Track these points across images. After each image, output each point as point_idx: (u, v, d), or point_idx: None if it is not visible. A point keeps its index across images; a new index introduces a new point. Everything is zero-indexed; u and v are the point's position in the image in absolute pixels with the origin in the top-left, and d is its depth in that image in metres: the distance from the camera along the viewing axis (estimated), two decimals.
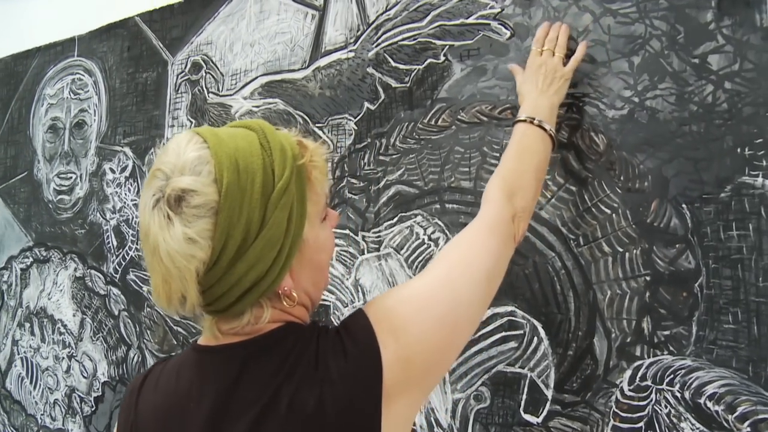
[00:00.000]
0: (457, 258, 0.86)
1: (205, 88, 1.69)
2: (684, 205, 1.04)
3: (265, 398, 0.72)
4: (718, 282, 1.01)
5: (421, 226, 1.29)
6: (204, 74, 1.70)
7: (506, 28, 1.23)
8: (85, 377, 1.92)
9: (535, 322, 1.16)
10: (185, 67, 1.74)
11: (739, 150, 1.00)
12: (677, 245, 1.04)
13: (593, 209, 1.12)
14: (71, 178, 2.02)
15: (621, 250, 1.09)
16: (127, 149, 1.86)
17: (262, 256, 0.72)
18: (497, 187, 0.98)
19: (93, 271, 1.92)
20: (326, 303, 1.41)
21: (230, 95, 1.63)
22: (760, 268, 0.98)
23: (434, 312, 0.77)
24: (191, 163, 0.72)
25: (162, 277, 0.72)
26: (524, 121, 1.04)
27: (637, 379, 1.06)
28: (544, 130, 1.03)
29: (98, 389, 1.88)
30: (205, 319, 0.80)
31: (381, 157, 1.37)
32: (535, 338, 1.16)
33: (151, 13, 1.84)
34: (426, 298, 0.79)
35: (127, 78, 1.90)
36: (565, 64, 1.10)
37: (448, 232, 1.27)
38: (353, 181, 1.41)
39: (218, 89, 1.66)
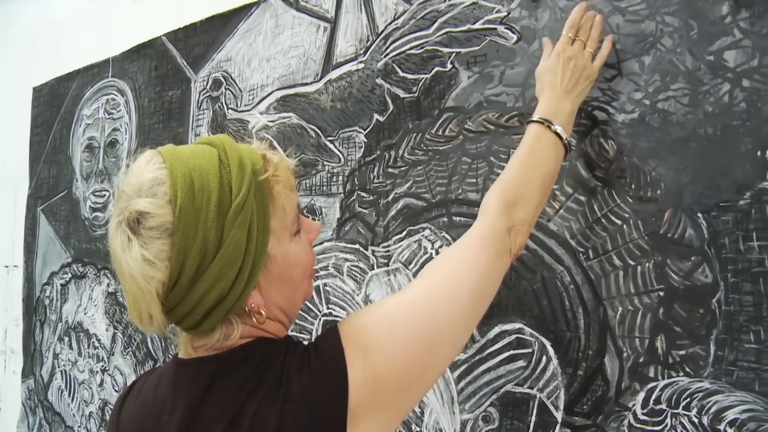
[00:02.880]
0: (442, 274, 0.82)
1: (224, 105, 1.70)
2: (700, 215, 0.98)
3: (230, 414, 0.72)
4: (737, 297, 0.94)
5: (429, 240, 1.26)
6: (224, 90, 1.71)
7: (513, 32, 1.19)
8: (116, 391, 1.96)
9: (544, 340, 1.11)
10: (207, 84, 1.76)
11: (759, 153, 0.93)
12: (693, 258, 0.97)
13: (603, 220, 1.06)
14: (105, 195, 2.07)
15: (633, 263, 1.03)
16: None
17: (222, 275, 0.72)
18: (496, 196, 0.92)
19: None
20: (337, 318, 1.39)
21: (248, 110, 1.64)
22: None
23: (408, 330, 0.75)
24: (147, 185, 0.72)
25: (132, 296, 0.73)
26: (540, 123, 0.97)
27: (651, 402, 0.99)
28: (561, 139, 0.97)
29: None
30: (182, 334, 0.81)
31: (390, 170, 1.34)
32: (544, 357, 1.10)
33: (176, 32, 1.88)
34: (401, 316, 0.76)
35: (154, 97, 1.94)
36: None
37: None
38: (363, 194, 1.39)
39: (237, 105, 1.67)
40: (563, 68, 1.01)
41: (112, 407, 1.94)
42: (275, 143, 1.54)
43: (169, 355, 1.80)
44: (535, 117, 0.99)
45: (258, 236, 0.74)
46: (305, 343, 0.79)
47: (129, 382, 1.89)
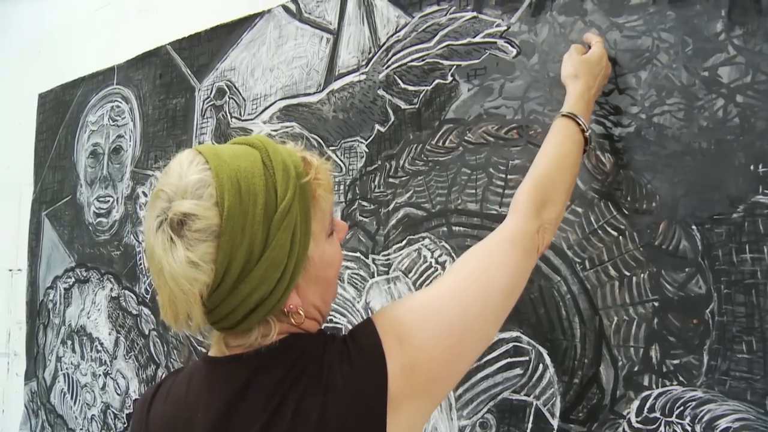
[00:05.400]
0: (472, 269, 0.83)
1: (228, 113, 1.72)
2: (694, 227, 0.99)
3: (272, 407, 0.72)
4: (730, 308, 0.95)
5: (429, 249, 1.27)
6: (228, 99, 1.73)
7: (512, 46, 1.21)
8: (118, 394, 1.97)
9: (541, 349, 1.12)
10: (211, 93, 1.78)
11: (752, 167, 0.95)
12: (687, 269, 0.99)
13: (599, 231, 1.08)
14: (109, 201, 2.09)
15: (628, 274, 1.05)
16: (158, 173, 1.92)
17: (266, 277, 0.71)
18: (528, 195, 0.92)
19: (127, 292, 1.98)
20: (338, 325, 1.40)
21: (251, 119, 1.66)
22: None
23: (441, 321, 0.76)
24: (193, 186, 0.71)
25: (168, 297, 0.72)
26: (575, 121, 0.98)
27: (645, 410, 1.00)
28: (585, 138, 0.98)
29: (130, 406, 1.93)
30: (214, 334, 0.81)
31: (391, 180, 1.36)
32: (541, 365, 1.11)
33: (181, 41, 1.90)
34: (434, 307, 0.77)
35: (158, 104, 1.96)
36: None
37: (454, 255, 1.24)
38: (364, 203, 1.40)
39: (240, 114, 1.69)
40: (597, 66, 1.05)
41: (115, 410, 1.97)
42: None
43: (172, 359, 1.82)
44: (568, 110, 0.99)
45: (301, 239, 0.74)
46: (340, 335, 0.79)
47: (131, 386, 1.92)
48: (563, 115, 0.99)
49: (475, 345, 0.80)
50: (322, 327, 0.85)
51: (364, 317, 1.33)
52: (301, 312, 0.76)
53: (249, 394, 0.75)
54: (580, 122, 0.98)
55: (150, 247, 0.73)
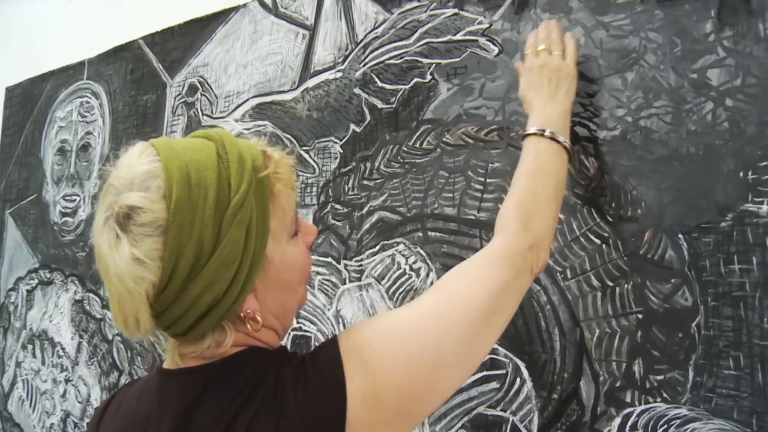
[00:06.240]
0: (454, 289, 0.77)
1: (200, 111, 1.67)
2: (680, 236, 0.95)
3: (220, 428, 0.67)
4: (717, 322, 0.91)
5: (403, 255, 1.22)
6: (199, 96, 1.67)
7: (494, 45, 1.16)
8: (79, 402, 1.89)
9: (518, 362, 1.07)
10: (182, 90, 1.72)
11: (741, 174, 0.91)
12: (673, 280, 0.95)
13: (582, 239, 1.04)
14: (75, 200, 2.01)
15: (611, 284, 1.00)
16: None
17: (218, 277, 0.67)
18: (512, 212, 0.88)
19: (91, 295, 1.90)
20: (307, 334, 1.34)
21: (223, 117, 1.60)
22: (765, 308, 0.88)
23: (413, 348, 0.70)
24: (140, 178, 0.67)
25: (117, 299, 0.68)
26: (534, 134, 0.94)
27: (627, 428, 0.96)
28: (558, 142, 0.93)
29: (90, 415, 1.85)
30: (169, 342, 0.76)
31: (365, 182, 1.31)
32: (518, 379, 1.06)
33: (153, 36, 1.84)
34: (407, 331, 0.71)
35: (129, 101, 1.90)
36: None
37: (429, 262, 1.19)
38: (337, 206, 1.35)
39: (212, 111, 1.63)
40: (538, 78, 0.99)
41: (75, 419, 1.88)
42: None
43: (135, 366, 1.75)
44: (528, 130, 0.95)
45: (257, 237, 0.69)
46: (301, 354, 0.74)
47: (92, 393, 1.84)
48: (523, 136, 0.96)
49: (451, 376, 0.74)
50: (285, 343, 0.79)
51: (335, 325, 1.28)
52: (258, 318, 0.71)
53: (198, 412, 0.70)
54: (536, 132, 0.94)
55: (97, 246, 0.69)
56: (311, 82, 1.43)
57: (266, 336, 0.75)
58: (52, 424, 1.98)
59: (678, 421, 0.92)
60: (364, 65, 1.34)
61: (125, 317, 0.68)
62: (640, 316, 0.97)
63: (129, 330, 0.69)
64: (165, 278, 0.66)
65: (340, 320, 1.30)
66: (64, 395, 1.94)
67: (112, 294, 0.68)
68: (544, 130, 0.93)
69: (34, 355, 2.09)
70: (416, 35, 1.26)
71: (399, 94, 1.28)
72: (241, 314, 0.70)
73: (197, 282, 0.66)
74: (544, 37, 1.02)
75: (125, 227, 0.66)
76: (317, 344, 1.22)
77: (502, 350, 1.09)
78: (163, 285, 0.66)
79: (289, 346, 1.35)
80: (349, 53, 1.37)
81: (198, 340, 0.71)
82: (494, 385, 1.08)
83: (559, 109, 0.97)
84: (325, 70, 1.41)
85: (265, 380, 0.69)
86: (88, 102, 2.04)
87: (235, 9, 1.62)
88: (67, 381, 1.94)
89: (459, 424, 1.11)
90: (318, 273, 1.34)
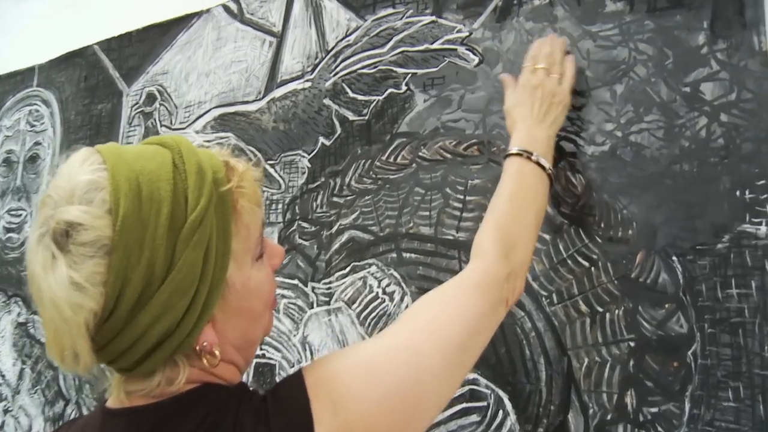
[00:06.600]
0: (427, 320, 0.73)
1: (158, 121, 1.58)
2: (674, 258, 0.91)
3: None
4: (715, 350, 0.87)
5: (376, 278, 1.15)
6: (158, 106, 1.59)
7: (474, 54, 1.11)
8: None
9: (501, 393, 1.01)
10: (140, 99, 1.63)
11: (738, 193, 0.88)
12: (666, 305, 0.91)
13: (569, 261, 0.98)
14: (21, 215, 1.89)
15: (601, 309, 0.95)
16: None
17: (171, 305, 0.59)
18: (491, 237, 0.83)
19: (36, 317, 1.77)
20: (271, 362, 1.26)
21: (183, 129, 1.51)
22: (766, 335, 0.84)
23: (388, 384, 0.65)
24: (82, 189, 0.60)
25: (52, 328, 0.60)
26: (519, 155, 0.89)
27: None
28: (542, 168, 0.89)
29: None
30: (113, 376, 0.69)
31: (335, 199, 1.24)
32: (501, 412, 1.00)
33: (110, 41, 1.75)
34: (380, 365, 0.66)
35: (82, 110, 1.80)
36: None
37: (404, 285, 1.13)
38: (304, 225, 1.27)
39: (171, 122, 1.55)
40: (531, 98, 0.94)
41: None
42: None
43: (83, 396, 1.63)
44: (512, 149, 0.90)
45: (216, 259, 0.62)
46: (263, 392, 0.68)
47: (34, 425, 1.70)
48: (506, 155, 0.92)
49: (428, 409, 0.69)
50: (245, 380, 0.71)
51: (301, 353, 1.20)
52: (216, 352, 0.64)
53: None
54: (521, 153, 0.89)
55: (30, 266, 0.61)
56: (278, 92, 1.36)
57: (225, 371, 0.68)
58: None
59: None
60: (334, 75, 1.27)
61: (61, 349, 0.61)
62: (632, 343, 0.92)
63: (66, 364, 0.61)
64: (109, 306, 0.58)
65: (307, 347, 1.22)
66: (2, 427, 1.80)
67: (47, 322, 0.61)
68: (531, 153, 0.89)
69: None
70: (391, 43, 1.20)
71: (372, 106, 1.22)
72: (197, 347, 0.63)
73: (146, 311, 0.59)
74: (546, 54, 0.97)
75: (63, 246, 0.58)
76: (281, 377, 1.14)
77: (483, 380, 1.02)
78: (106, 314, 0.59)
79: (251, 375, 1.26)
80: (319, 62, 1.31)
81: (146, 377, 0.64)
82: (475, 418, 1.02)
83: (546, 136, 0.93)
84: (293, 80, 1.34)
85: (222, 422, 0.63)
86: (37, 110, 1.93)
87: (198, 14, 1.55)
88: (6, 411, 1.80)
89: None
90: (283, 296, 1.26)
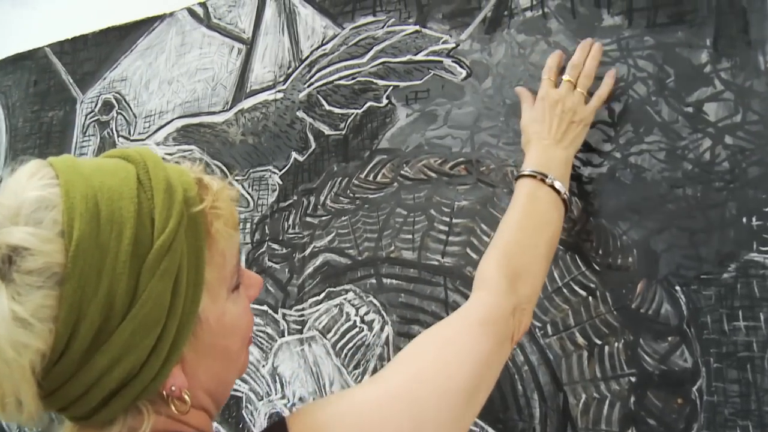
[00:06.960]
0: (428, 362, 0.67)
1: (115, 131, 1.48)
2: (678, 288, 0.88)
3: None
4: (722, 386, 0.83)
5: (353, 305, 1.09)
6: (115, 115, 1.49)
7: (461, 67, 1.06)
8: None
9: (491, 431, 0.95)
10: (95, 106, 1.54)
11: (744, 220, 0.85)
12: (669, 338, 0.87)
13: (565, 290, 0.94)
14: None
15: (599, 342, 0.91)
16: None
17: (134, 345, 0.52)
18: (497, 265, 0.78)
19: None
20: (238, 394, 1.17)
21: (142, 140, 1.42)
22: None
23: None
24: (29, 208, 0.52)
25: None
26: (533, 177, 0.84)
27: None
28: (557, 192, 0.84)
29: None
30: (65, 426, 0.60)
31: (308, 219, 1.18)
32: None
33: (62, 44, 1.65)
34: (374, 415, 0.61)
35: (31, 116, 1.69)
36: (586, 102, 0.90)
37: (384, 314, 1.06)
38: (275, 246, 1.20)
39: (129, 133, 1.46)
40: (550, 113, 0.88)
41: None
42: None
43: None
44: (525, 170, 0.84)
45: (187, 291, 0.55)
46: None
47: None
48: (519, 176, 0.86)
49: None
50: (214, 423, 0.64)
51: (270, 384, 1.12)
52: (186, 397, 0.57)
53: None
54: (535, 174, 0.84)
55: None
56: (247, 103, 1.29)
57: (195, 419, 0.60)
58: None
59: None
60: (309, 85, 1.21)
61: (2, 396, 0.52)
62: (632, 379, 0.89)
63: (7, 413, 0.53)
64: (59, 346, 0.51)
65: (277, 378, 1.14)
66: None
67: None
68: (546, 176, 0.83)
69: None
70: (371, 53, 1.14)
71: (350, 120, 1.16)
72: (164, 392, 0.56)
73: (104, 351, 0.52)
74: (575, 64, 0.91)
75: (5, 275, 0.51)
76: (251, 409, 1.06)
77: None
78: (56, 355, 0.51)
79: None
80: (292, 71, 1.24)
81: (104, 426, 0.57)
82: None
83: (564, 157, 0.87)
84: (263, 90, 1.27)
85: None
86: None
87: (161, 18, 1.47)
88: None
89: None
90: None
